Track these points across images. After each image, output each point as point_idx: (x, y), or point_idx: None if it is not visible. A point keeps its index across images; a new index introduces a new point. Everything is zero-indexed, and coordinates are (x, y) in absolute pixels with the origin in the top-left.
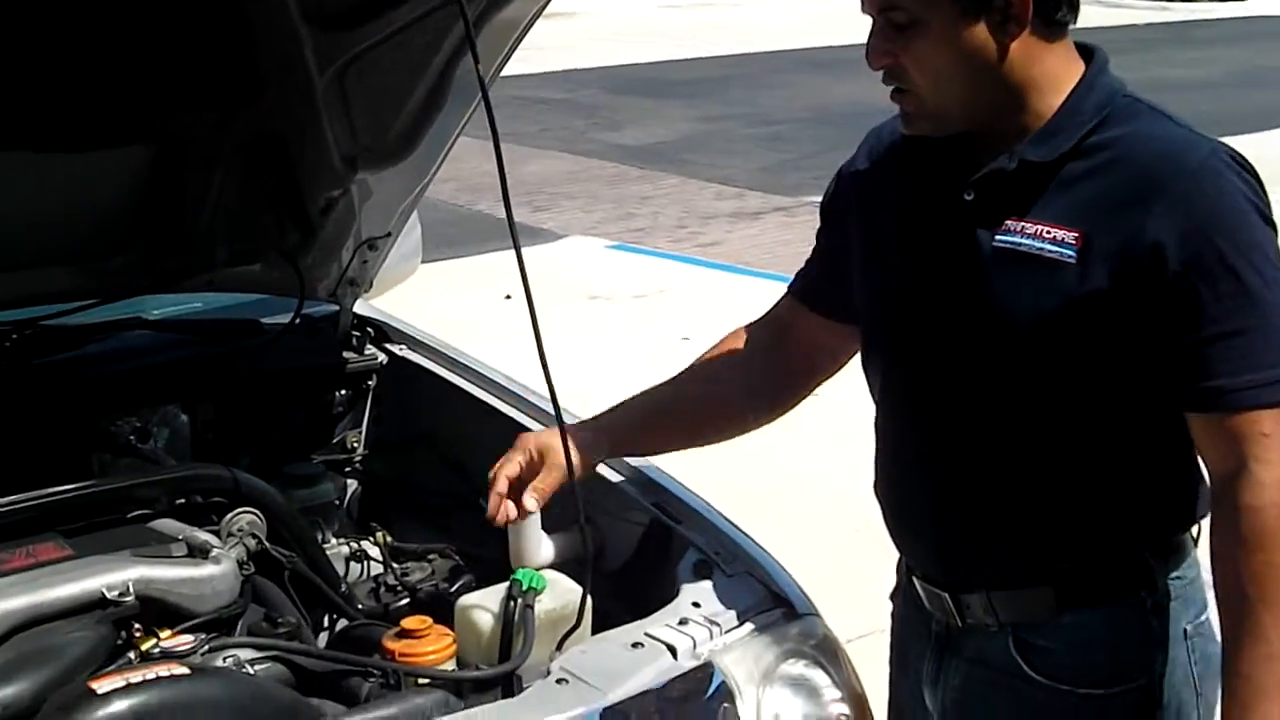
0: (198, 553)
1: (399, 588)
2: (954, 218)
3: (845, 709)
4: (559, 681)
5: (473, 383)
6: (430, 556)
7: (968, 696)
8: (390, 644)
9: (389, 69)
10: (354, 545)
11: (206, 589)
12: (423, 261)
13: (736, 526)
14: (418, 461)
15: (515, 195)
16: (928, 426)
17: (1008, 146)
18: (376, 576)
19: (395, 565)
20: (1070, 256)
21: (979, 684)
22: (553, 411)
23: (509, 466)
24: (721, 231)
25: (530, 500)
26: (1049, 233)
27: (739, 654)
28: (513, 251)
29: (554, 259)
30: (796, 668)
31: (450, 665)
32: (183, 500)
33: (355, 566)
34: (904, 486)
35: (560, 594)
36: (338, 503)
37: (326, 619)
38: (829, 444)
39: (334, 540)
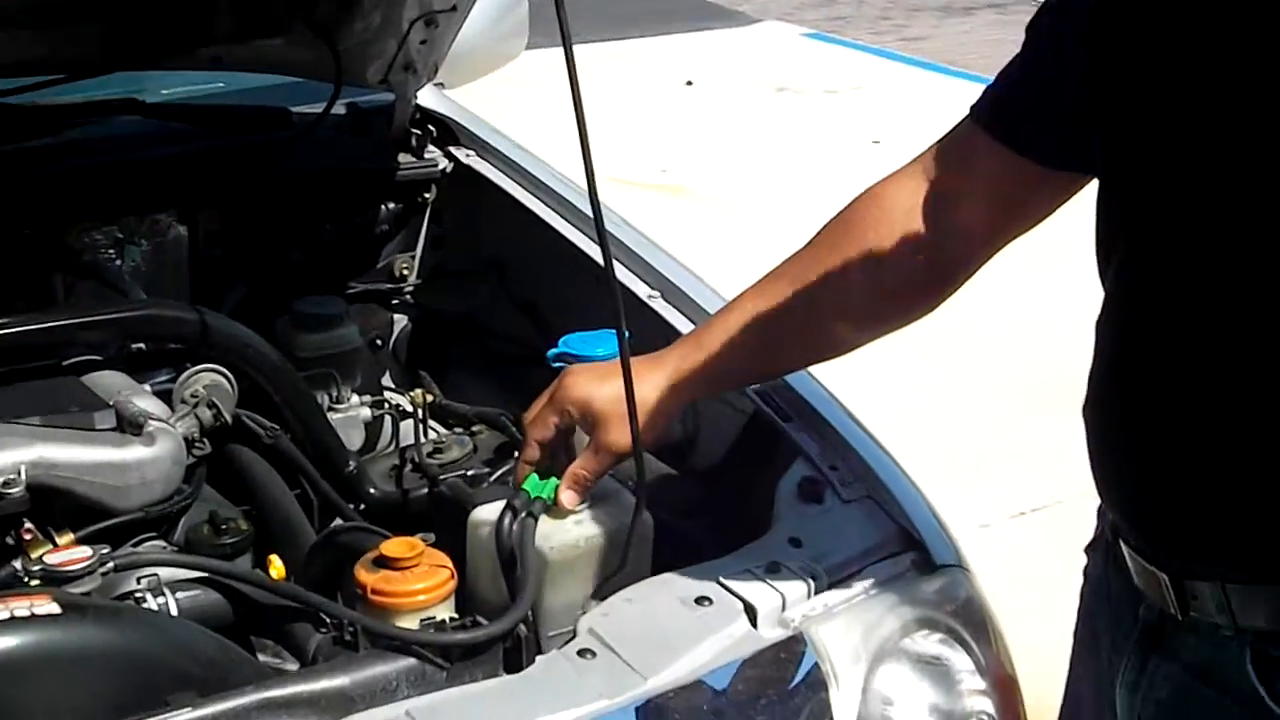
0: (128, 426)
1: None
2: None
3: (988, 705)
4: (583, 654)
5: (556, 209)
6: (477, 428)
7: (1176, 717)
8: (364, 576)
9: None
10: (382, 407)
11: (132, 478)
12: (595, 41)
13: (866, 431)
14: (483, 298)
15: None
16: (1178, 348)
17: None
18: (405, 449)
19: (437, 432)
20: None
21: (1195, 705)
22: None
23: (541, 428)
24: (928, 26)
25: (568, 496)
26: None
27: (846, 622)
28: (701, 34)
29: (745, 45)
30: (926, 643)
31: (445, 610)
32: (140, 347)
33: (387, 432)
34: (1124, 422)
35: (611, 514)
36: (379, 342)
37: None
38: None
39: (355, 400)
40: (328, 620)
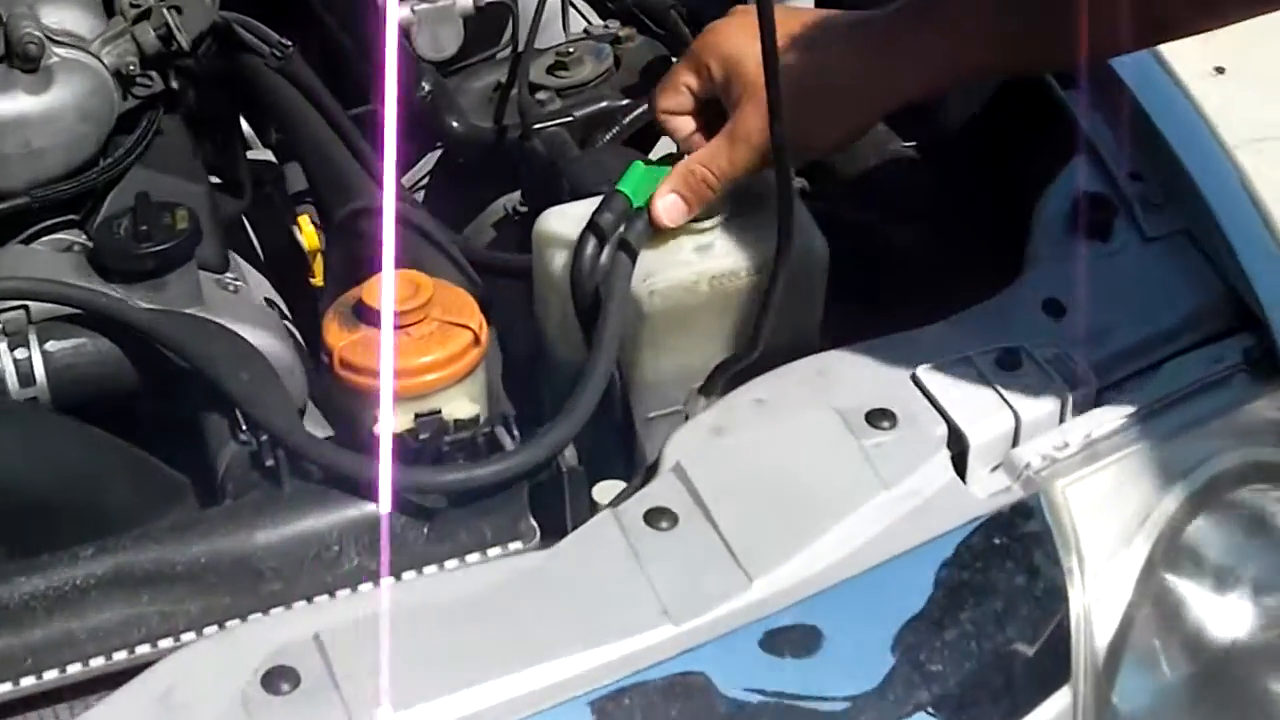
0: (15, 58)
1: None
2: None
3: None
4: (655, 518)
5: None
6: (626, 33)
7: None
8: (334, 334)
9: None
10: None
11: (10, 143)
12: None
13: (1198, 110)
14: None
15: None
16: None
17: None
18: (517, 58)
19: (588, 23)
20: None
21: None
22: None
23: (671, 95)
24: None
25: (668, 204)
26: None
27: (1117, 475)
28: None
29: None
30: (1258, 502)
31: (464, 400)
32: None
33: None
34: None
35: (764, 234)
36: None
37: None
38: None
39: None
40: (244, 436)
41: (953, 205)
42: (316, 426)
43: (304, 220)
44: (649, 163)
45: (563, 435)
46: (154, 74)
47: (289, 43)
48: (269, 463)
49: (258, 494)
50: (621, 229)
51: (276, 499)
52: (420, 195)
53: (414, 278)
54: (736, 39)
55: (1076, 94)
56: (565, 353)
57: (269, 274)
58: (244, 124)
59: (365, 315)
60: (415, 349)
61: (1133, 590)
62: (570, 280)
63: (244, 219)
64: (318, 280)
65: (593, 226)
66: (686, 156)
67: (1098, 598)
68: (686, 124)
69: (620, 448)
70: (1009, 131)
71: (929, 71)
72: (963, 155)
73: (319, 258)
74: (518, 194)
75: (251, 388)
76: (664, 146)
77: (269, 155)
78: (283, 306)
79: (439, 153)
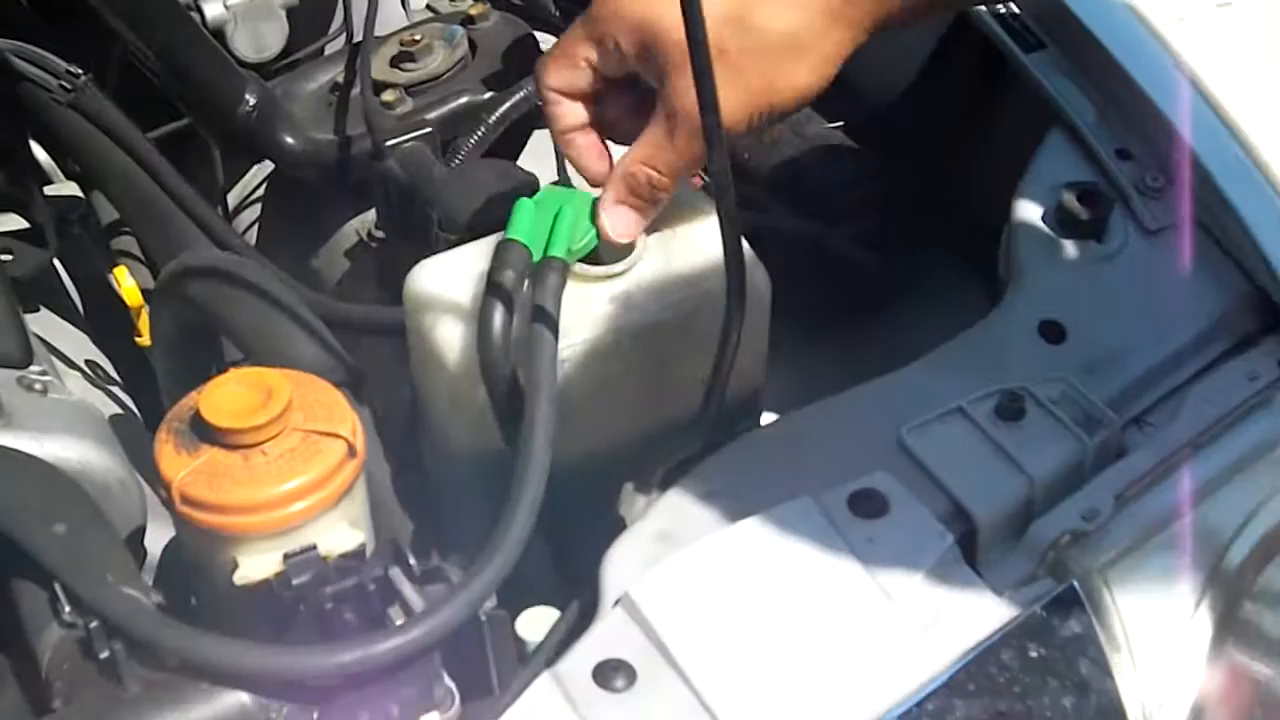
0: None
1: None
2: None
3: None
4: (606, 675)
5: None
6: (479, 10)
7: None
8: (170, 461)
9: None
10: None
11: None
12: None
13: (1187, 74)
14: None
15: None
16: None
17: None
18: (355, 50)
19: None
20: None
21: None
22: None
23: (566, 71)
24: None
25: (615, 218)
26: None
27: (1163, 542)
28: None
29: None
30: None
31: (338, 529)
32: None
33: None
34: None
35: (669, 276)
36: None
37: None
38: None
39: None
40: (63, 604)
41: (897, 199)
42: None
43: (121, 273)
44: (548, 184)
45: (487, 584)
46: None
47: (80, 72)
48: (104, 655)
49: (94, 695)
50: (527, 288)
51: (118, 701)
52: (249, 217)
53: (264, 379)
54: (651, 10)
55: (1039, 56)
56: (460, 439)
57: (89, 326)
58: (41, 154)
59: (207, 434)
60: (276, 473)
61: (1203, 671)
62: (481, 365)
63: (55, 264)
64: (144, 340)
65: (496, 290)
66: (622, 159)
67: (1160, 700)
68: (576, 111)
69: (543, 556)
70: (956, 104)
71: (876, 11)
72: (902, 136)
73: (144, 314)
74: (372, 214)
75: (69, 548)
76: (540, 144)
77: (72, 188)
78: (107, 367)
79: (268, 167)
